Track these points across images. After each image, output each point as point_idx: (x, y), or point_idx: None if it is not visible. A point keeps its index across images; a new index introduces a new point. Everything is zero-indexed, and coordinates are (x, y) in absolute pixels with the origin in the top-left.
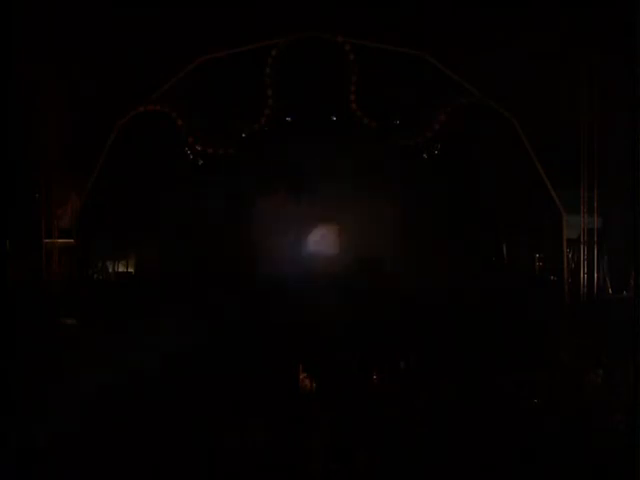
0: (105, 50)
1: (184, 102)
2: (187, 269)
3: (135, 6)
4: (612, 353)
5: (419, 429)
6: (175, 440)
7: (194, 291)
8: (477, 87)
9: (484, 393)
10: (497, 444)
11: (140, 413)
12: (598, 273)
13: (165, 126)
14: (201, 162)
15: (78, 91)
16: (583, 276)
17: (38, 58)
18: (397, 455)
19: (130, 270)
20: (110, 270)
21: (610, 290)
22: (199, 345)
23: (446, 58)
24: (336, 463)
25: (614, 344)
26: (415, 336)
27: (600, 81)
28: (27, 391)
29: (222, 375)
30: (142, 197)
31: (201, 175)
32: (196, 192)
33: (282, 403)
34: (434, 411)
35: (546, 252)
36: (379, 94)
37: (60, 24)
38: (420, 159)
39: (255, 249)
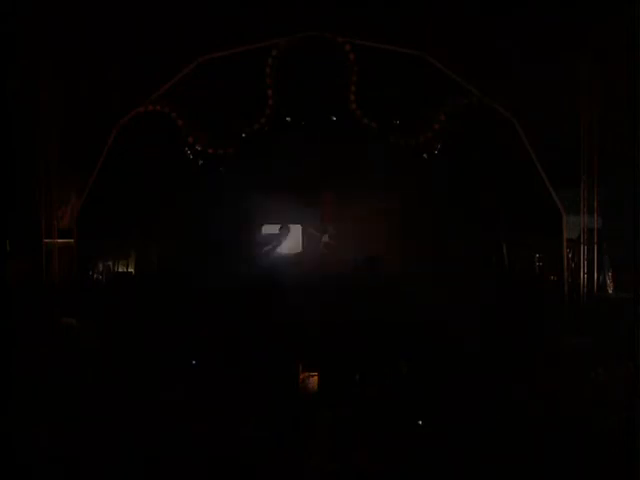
0: (105, 49)
1: (184, 102)
2: (187, 269)
3: (135, 5)
4: (612, 353)
5: (419, 430)
6: (174, 440)
7: (194, 291)
8: (477, 87)
9: (484, 392)
10: (497, 444)
11: (137, 412)
12: (598, 273)
13: (165, 126)
14: (201, 162)
15: (78, 91)
16: (583, 276)
17: (38, 58)
18: (397, 456)
19: (130, 270)
20: (110, 270)
21: (610, 290)
22: (199, 345)
23: (446, 58)
24: (335, 463)
25: (614, 344)
26: (414, 336)
27: (600, 80)
28: (27, 391)
29: (222, 375)
30: (142, 197)
31: (201, 175)
32: (196, 192)
33: (281, 403)
34: (434, 411)
35: (546, 252)
36: (379, 94)
37: (61, 23)
38: (420, 159)
39: (255, 249)
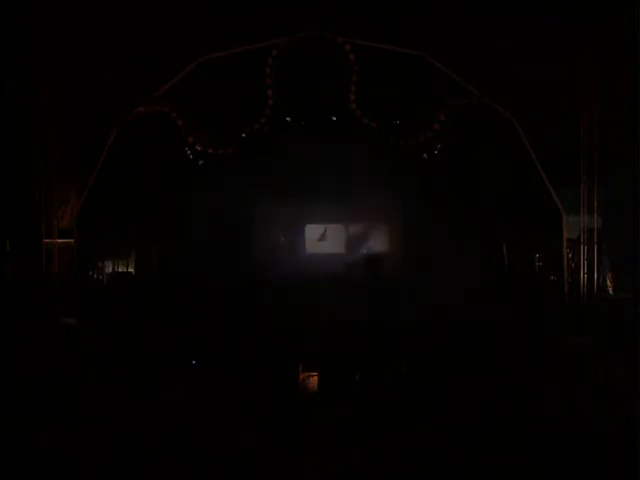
0: (105, 49)
1: (184, 102)
2: (187, 269)
3: (135, 5)
4: (612, 353)
5: (419, 430)
6: (174, 440)
7: (194, 291)
8: (477, 87)
9: (484, 392)
10: (497, 444)
11: (137, 412)
12: (598, 273)
13: (165, 126)
14: (201, 162)
15: (78, 91)
16: (583, 276)
17: (38, 58)
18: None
19: (130, 270)
20: (110, 270)
21: (610, 290)
22: (198, 345)
23: (446, 58)
24: (335, 463)
25: (614, 344)
26: (414, 336)
27: (600, 80)
28: (27, 391)
29: (222, 375)
30: (142, 197)
31: (201, 175)
32: (196, 192)
33: (281, 403)
34: (434, 411)
35: (546, 252)
36: (379, 94)
37: (61, 23)
38: (420, 159)
39: (255, 249)
